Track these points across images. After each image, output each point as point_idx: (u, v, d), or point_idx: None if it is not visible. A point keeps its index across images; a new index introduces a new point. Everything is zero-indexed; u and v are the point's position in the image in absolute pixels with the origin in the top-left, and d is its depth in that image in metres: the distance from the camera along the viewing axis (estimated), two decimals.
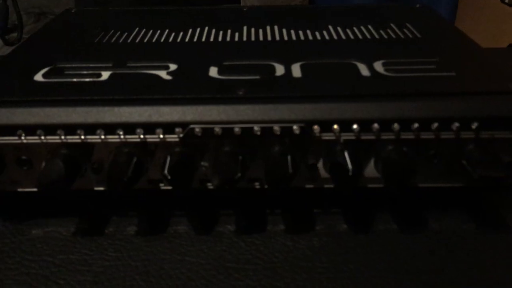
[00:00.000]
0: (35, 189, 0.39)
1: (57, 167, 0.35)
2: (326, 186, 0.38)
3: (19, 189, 0.39)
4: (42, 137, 0.36)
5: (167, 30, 0.54)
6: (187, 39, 0.52)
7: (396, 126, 0.36)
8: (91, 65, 0.44)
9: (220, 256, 0.36)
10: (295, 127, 0.36)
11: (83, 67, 0.44)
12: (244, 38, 0.52)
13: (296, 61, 0.44)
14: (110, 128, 0.36)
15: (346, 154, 0.36)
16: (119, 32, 0.53)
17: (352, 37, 0.51)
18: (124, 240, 0.38)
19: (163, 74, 0.42)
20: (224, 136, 0.36)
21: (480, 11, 1.08)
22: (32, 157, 0.37)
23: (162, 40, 0.51)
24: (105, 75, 0.42)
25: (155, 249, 0.37)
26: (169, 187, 0.38)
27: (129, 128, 0.36)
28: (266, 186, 0.38)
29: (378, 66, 0.43)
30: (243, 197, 0.41)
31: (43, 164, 0.36)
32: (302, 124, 0.36)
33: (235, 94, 0.38)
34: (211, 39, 0.52)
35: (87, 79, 0.41)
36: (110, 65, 0.44)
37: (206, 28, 0.55)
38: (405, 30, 0.53)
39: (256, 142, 0.37)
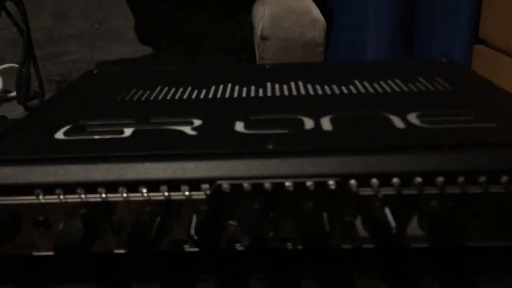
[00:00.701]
0: (51, 253, 0.36)
1: (76, 228, 0.33)
2: (365, 246, 0.35)
3: (35, 253, 0.36)
4: (61, 196, 0.34)
5: (189, 88, 0.53)
6: (210, 96, 0.50)
7: (440, 179, 0.33)
8: (113, 122, 0.43)
9: None
10: (330, 182, 0.34)
11: (105, 125, 0.42)
12: (269, 94, 0.50)
13: (325, 115, 0.42)
14: (132, 186, 0.34)
15: (386, 210, 0.33)
16: (141, 91, 0.52)
17: (380, 90, 0.50)
18: None
19: (187, 129, 0.41)
20: (253, 193, 0.34)
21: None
22: (49, 218, 0.35)
23: (185, 97, 0.50)
24: (128, 131, 0.41)
25: None
26: (195, 249, 0.35)
27: (153, 185, 0.34)
28: (299, 247, 0.35)
29: (413, 118, 0.41)
30: (275, 260, 0.38)
31: (61, 225, 0.34)
32: (338, 178, 0.34)
33: (264, 148, 0.36)
34: (235, 95, 0.50)
35: (109, 136, 0.40)
36: (133, 121, 0.43)
37: (229, 85, 0.54)
38: (435, 83, 0.51)
39: (288, 198, 0.34)
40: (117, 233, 0.35)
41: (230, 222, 0.35)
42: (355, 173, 0.34)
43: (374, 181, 0.33)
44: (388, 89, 0.50)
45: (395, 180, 0.33)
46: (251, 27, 1.19)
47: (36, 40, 1.10)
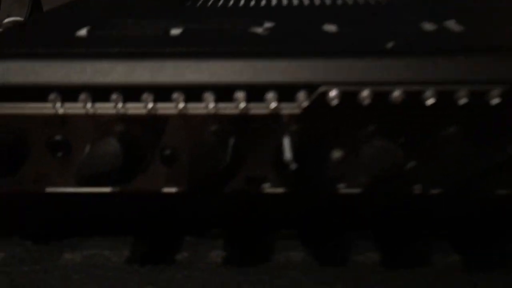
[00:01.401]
0: (71, 189, 0.25)
1: (112, 149, 0.22)
2: None
3: (48, 189, 0.25)
4: (88, 105, 0.24)
5: None
6: (282, 3, 0.39)
7: None
8: (154, 20, 0.32)
9: None
10: (494, 91, 0.22)
11: (143, 23, 0.31)
12: (351, 2, 0.39)
13: (448, 18, 0.31)
14: (192, 92, 0.23)
15: None
16: None
17: None
18: (208, 271, 0.24)
19: (259, 30, 0.30)
20: (374, 106, 0.23)
21: None
22: (70, 137, 0.24)
23: (241, 4, 0.39)
24: (176, 31, 0.30)
25: (261, 285, 0.23)
26: (278, 190, 0.25)
27: (223, 92, 0.23)
28: (433, 191, 0.25)
29: None
30: (392, 210, 0.27)
31: (87, 148, 0.24)
32: (508, 85, 0.22)
33: (386, 47, 0.25)
34: (315, 2, 0.39)
35: (152, 32, 0.29)
36: (182, 20, 0.32)
37: None
38: None
39: (426, 117, 0.23)
40: (168, 163, 0.24)
41: (335, 152, 0.24)
42: None
43: None
44: None
45: None
46: None
47: None
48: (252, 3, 0.40)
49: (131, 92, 0.23)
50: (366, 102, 0.22)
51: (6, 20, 1.12)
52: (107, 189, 0.25)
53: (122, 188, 0.24)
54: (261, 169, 0.24)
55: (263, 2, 0.40)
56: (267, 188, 0.25)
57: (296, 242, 0.26)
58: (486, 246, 0.25)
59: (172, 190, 0.25)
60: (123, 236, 0.27)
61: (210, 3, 0.40)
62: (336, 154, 0.24)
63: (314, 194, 0.24)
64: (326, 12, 0.35)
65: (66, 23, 0.33)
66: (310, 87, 0.23)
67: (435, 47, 0.24)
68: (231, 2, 0.40)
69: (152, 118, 0.23)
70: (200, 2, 0.41)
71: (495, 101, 0.22)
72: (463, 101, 0.22)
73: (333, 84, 0.23)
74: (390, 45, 0.25)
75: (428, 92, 0.22)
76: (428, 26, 0.29)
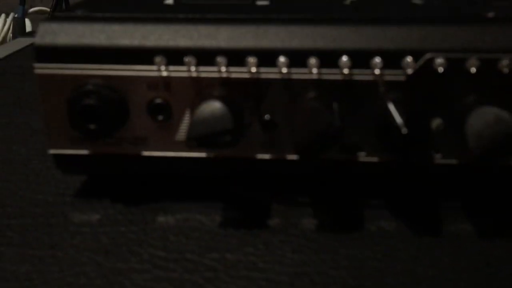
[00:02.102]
0: (168, 153, 0.26)
1: (221, 112, 0.22)
2: None
3: (145, 153, 0.26)
4: (193, 68, 0.24)
5: None
6: None
7: None
8: None
9: (475, 268, 0.22)
10: None
11: None
12: None
13: None
14: (298, 56, 0.23)
15: None
16: None
17: None
18: (303, 237, 0.24)
19: (346, 1, 0.29)
20: (482, 74, 0.23)
21: None
22: (172, 100, 0.24)
23: None
24: (263, 2, 0.29)
25: (358, 252, 0.23)
26: (373, 159, 0.25)
27: (328, 56, 0.23)
28: None
29: None
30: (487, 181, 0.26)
31: (193, 110, 0.24)
32: None
33: (487, 16, 0.25)
34: None
35: (237, 2, 0.29)
36: None
37: None
38: None
39: None
40: (268, 129, 0.25)
41: (434, 121, 0.24)
42: None
43: None
44: None
45: None
46: None
47: None
48: None
49: (235, 56, 0.23)
50: (475, 68, 0.22)
51: (32, 9, 1.13)
52: (202, 154, 0.25)
53: (221, 152, 0.24)
54: (358, 137, 0.24)
55: None
56: (363, 156, 0.25)
57: (386, 212, 0.26)
58: (497, 214, 0.25)
59: (266, 156, 0.25)
60: (212, 201, 0.27)
61: None
62: (440, 123, 0.24)
63: (414, 164, 0.24)
64: None
65: None
66: (417, 53, 0.23)
67: None
68: None
69: (257, 82, 0.24)
70: None
71: None
72: None
73: (440, 51, 0.23)
74: (491, 14, 0.25)
75: None
76: None
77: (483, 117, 0.21)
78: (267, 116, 0.24)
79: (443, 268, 0.22)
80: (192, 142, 0.22)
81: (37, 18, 1.06)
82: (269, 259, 0.23)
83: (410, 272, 0.22)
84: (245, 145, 0.25)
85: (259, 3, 0.29)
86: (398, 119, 0.21)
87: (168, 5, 0.29)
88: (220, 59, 0.23)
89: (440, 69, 0.22)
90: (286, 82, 0.23)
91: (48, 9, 0.92)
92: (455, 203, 0.26)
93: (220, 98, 0.23)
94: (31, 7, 1.16)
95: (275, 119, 0.24)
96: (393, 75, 0.23)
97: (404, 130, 0.21)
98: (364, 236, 0.24)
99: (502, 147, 0.21)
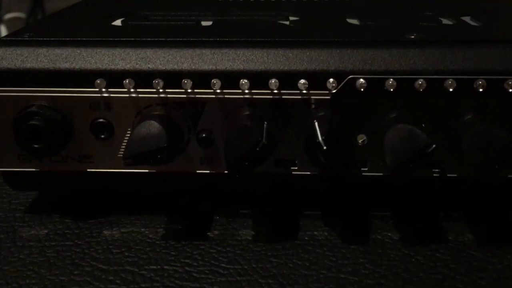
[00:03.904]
0: (111, 169, 0.27)
1: (157, 131, 0.24)
2: None
3: (90, 170, 0.27)
4: (132, 90, 0.25)
5: None
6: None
7: None
8: (186, 13, 0.33)
9: (393, 274, 0.24)
10: (510, 82, 0.24)
11: (175, 15, 0.33)
12: None
13: (464, 15, 0.32)
14: (230, 78, 0.25)
15: None
16: None
17: None
18: (239, 248, 0.26)
19: (285, 22, 0.31)
20: (399, 93, 0.25)
21: None
22: (113, 120, 0.26)
23: None
24: (207, 22, 0.31)
25: (289, 261, 0.25)
26: (306, 172, 0.26)
27: (258, 78, 0.25)
28: (451, 175, 0.26)
29: None
30: (412, 191, 0.29)
31: (133, 129, 0.25)
32: None
33: (406, 38, 0.26)
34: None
35: (183, 23, 0.30)
36: (209, 13, 0.33)
37: None
38: None
39: (446, 103, 0.24)
40: (204, 145, 0.26)
41: (359, 136, 0.26)
42: None
43: None
44: None
45: None
46: None
47: None
48: None
49: (171, 78, 0.25)
50: (392, 87, 0.24)
51: (7, 16, 1.13)
52: (144, 170, 0.27)
53: (161, 168, 0.26)
54: (290, 152, 0.26)
55: None
56: (295, 170, 0.26)
57: (319, 222, 0.28)
58: (419, 223, 0.27)
59: (205, 171, 0.27)
60: (157, 215, 0.28)
61: None
62: (364, 139, 0.25)
63: (339, 176, 0.26)
64: (348, 6, 0.37)
65: (97, 14, 0.35)
66: (340, 75, 0.24)
67: (454, 39, 0.26)
68: None
69: (192, 102, 0.25)
70: None
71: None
72: (481, 89, 0.24)
73: (362, 73, 0.24)
74: (413, 36, 0.26)
75: (449, 81, 0.24)
76: (446, 21, 0.31)
77: (398, 133, 0.23)
78: (203, 133, 0.25)
79: (365, 274, 0.24)
80: (128, 160, 0.23)
81: (13, 25, 1.06)
82: (204, 269, 0.24)
83: (334, 279, 0.23)
84: (184, 160, 0.26)
85: (204, 23, 0.31)
86: (319, 136, 0.23)
87: (115, 27, 0.30)
88: (157, 81, 0.25)
89: (361, 89, 0.24)
90: (220, 102, 0.25)
91: (24, 16, 0.92)
92: (385, 212, 0.28)
93: (158, 118, 0.24)
94: (8, 12, 1.15)
95: (211, 136, 0.26)
96: (318, 95, 0.25)
97: (325, 146, 0.23)
98: (296, 245, 0.26)
99: (415, 161, 0.23)
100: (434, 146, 0.22)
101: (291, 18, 0.32)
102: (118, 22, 0.31)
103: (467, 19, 0.31)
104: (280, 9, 0.35)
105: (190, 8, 0.35)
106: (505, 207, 0.29)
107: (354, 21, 0.31)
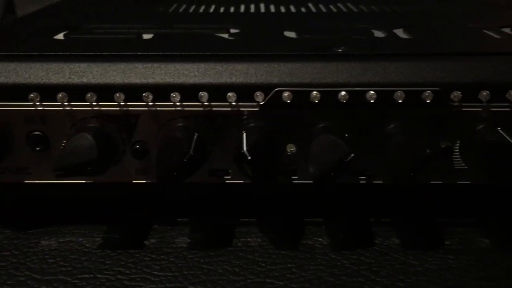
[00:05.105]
0: (49, 181, 0.28)
1: (87, 144, 0.24)
2: (459, 182, 0.28)
3: (27, 181, 0.27)
4: (65, 103, 0.26)
5: (213, 6, 0.44)
6: (245, 11, 0.42)
7: None
8: (128, 25, 0.34)
9: (318, 278, 0.25)
10: (426, 93, 0.25)
11: (118, 27, 0.34)
12: (318, 11, 0.42)
13: (397, 27, 0.34)
14: (161, 91, 0.25)
15: (501, 132, 0.25)
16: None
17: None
18: (173, 255, 0.27)
19: (225, 35, 0.32)
20: (324, 105, 0.26)
21: None
22: (49, 132, 0.26)
23: (211, 10, 0.42)
24: (148, 35, 0.32)
25: (220, 267, 0.26)
26: (238, 181, 0.27)
27: (188, 91, 0.25)
28: (377, 181, 0.27)
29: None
30: (338, 198, 0.30)
31: (65, 143, 0.26)
32: (437, 88, 0.25)
33: (334, 51, 0.28)
34: (277, 10, 0.42)
35: (124, 37, 0.31)
36: (151, 26, 0.34)
37: (262, 4, 0.45)
38: None
39: (370, 114, 0.26)
40: (138, 156, 0.27)
41: (288, 146, 0.27)
42: (459, 83, 0.26)
43: (486, 94, 0.25)
44: None
45: None
46: None
47: None
48: (222, 9, 0.43)
49: (104, 91, 0.25)
50: (317, 99, 0.25)
51: None
52: (81, 181, 0.27)
53: (96, 179, 0.26)
54: (223, 162, 0.27)
55: (232, 9, 0.43)
56: (229, 179, 0.27)
57: (254, 229, 0.29)
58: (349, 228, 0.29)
59: (141, 181, 0.27)
60: (96, 224, 0.29)
61: (182, 9, 0.43)
62: (293, 148, 0.26)
63: (270, 184, 0.27)
64: (289, 19, 0.38)
65: (43, 28, 0.35)
66: (267, 88, 0.25)
67: (379, 52, 0.27)
68: (202, 8, 0.43)
69: (125, 115, 0.26)
70: (172, 7, 0.43)
71: (428, 100, 0.25)
72: (400, 100, 0.25)
73: (288, 86, 0.25)
74: (340, 49, 0.28)
75: (370, 92, 0.25)
76: (379, 33, 0.32)
77: (321, 143, 0.24)
78: (137, 145, 0.26)
79: (290, 278, 0.25)
80: (59, 172, 0.24)
81: None
82: (136, 277, 0.25)
83: (260, 283, 0.24)
84: (121, 171, 0.27)
85: (145, 37, 0.32)
86: (244, 146, 0.24)
87: (56, 41, 0.31)
88: (90, 95, 0.25)
89: (287, 101, 0.25)
90: (153, 115, 0.26)
91: None
92: (317, 218, 0.29)
93: (91, 130, 0.25)
94: None
95: (146, 147, 0.26)
96: (247, 107, 0.26)
97: (249, 157, 0.23)
98: (229, 252, 0.27)
99: (336, 169, 0.24)
100: (352, 155, 0.24)
101: (232, 30, 0.33)
102: (60, 36, 0.32)
103: (399, 31, 0.33)
104: (223, 21, 0.36)
105: (135, 21, 0.36)
106: (430, 211, 0.30)
107: (292, 34, 0.32)
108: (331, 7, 0.44)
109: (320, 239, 0.28)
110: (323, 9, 0.43)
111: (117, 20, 0.37)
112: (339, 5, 0.44)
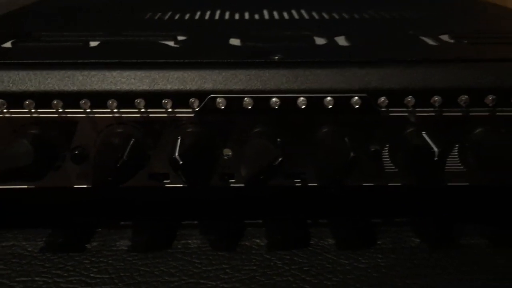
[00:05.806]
0: None
1: (23, 151, 0.25)
2: (391, 184, 0.29)
3: None
4: (5, 110, 0.26)
5: (169, 12, 0.45)
6: (195, 17, 0.43)
7: (490, 98, 0.27)
8: (75, 33, 0.35)
9: (250, 278, 0.26)
10: (354, 99, 0.26)
11: (65, 35, 0.34)
12: (267, 17, 0.43)
13: (338, 34, 0.35)
14: (98, 99, 0.26)
15: (425, 136, 0.26)
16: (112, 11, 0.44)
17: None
18: (112, 258, 0.27)
19: (170, 43, 0.33)
20: (256, 111, 0.27)
21: None
22: None
23: (159, 17, 0.42)
24: (94, 43, 0.33)
25: (156, 269, 0.26)
26: (178, 185, 0.28)
27: (126, 98, 0.26)
28: (311, 184, 0.28)
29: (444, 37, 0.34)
30: (278, 200, 0.31)
31: (3, 149, 0.26)
32: (364, 94, 0.26)
33: (270, 58, 0.28)
34: (226, 18, 0.43)
35: (70, 44, 0.32)
36: (100, 33, 0.35)
37: (218, 11, 0.46)
38: None
39: (301, 119, 0.27)
40: (78, 161, 0.27)
41: (224, 151, 0.27)
42: (385, 89, 0.27)
43: (410, 99, 0.27)
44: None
45: (436, 98, 0.27)
46: None
47: None
48: (177, 16, 0.44)
49: (43, 99, 0.26)
50: (249, 105, 0.26)
51: None
52: (23, 185, 0.28)
53: (36, 184, 0.27)
54: (160, 167, 0.27)
55: (187, 16, 0.44)
56: (167, 184, 0.28)
57: (195, 231, 0.29)
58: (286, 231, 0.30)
59: (83, 185, 0.28)
60: (41, 228, 0.29)
61: (136, 16, 0.44)
62: (229, 152, 0.27)
63: (207, 188, 0.28)
64: (237, 26, 0.39)
65: None
66: (201, 95, 0.26)
67: (311, 60, 0.28)
68: (158, 15, 0.44)
69: (64, 121, 0.26)
70: (126, 15, 0.44)
71: (356, 106, 0.26)
72: (330, 106, 0.26)
73: (221, 92, 0.26)
74: (276, 57, 0.29)
75: (301, 99, 0.26)
76: (320, 40, 0.33)
77: (252, 148, 0.25)
78: (76, 150, 0.27)
79: (223, 279, 0.25)
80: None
81: None
82: (73, 279, 0.25)
83: (193, 284, 0.25)
84: (62, 176, 0.28)
85: (92, 44, 0.32)
86: (176, 151, 0.25)
87: (4, 48, 0.31)
88: (28, 102, 0.26)
89: (221, 107, 0.26)
90: (91, 121, 0.26)
91: None
92: (257, 220, 0.30)
93: (29, 136, 0.26)
94: None
95: (85, 153, 0.27)
96: (183, 113, 0.27)
97: (181, 161, 0.24)
98: (168, 254, 0.27)
99: (266, 173, 0.25)
100: (280, 159, 0.24)
101: (179, 38, 0.34)
102: (8, 44, 0.32)
103: (340, 39, 0.34)
104: (172, 29, 0.36)
105: (85, 28, 0.37)
106: (365, 212, 0.31)
107: (236, 42, 0.33)
108: (283, 13, 0.45)
109: (257, 240, 0.29)
110: (276, 16, 0.44)
111: (68, 28, 0.37)
112: (284, 13, 0.45)
